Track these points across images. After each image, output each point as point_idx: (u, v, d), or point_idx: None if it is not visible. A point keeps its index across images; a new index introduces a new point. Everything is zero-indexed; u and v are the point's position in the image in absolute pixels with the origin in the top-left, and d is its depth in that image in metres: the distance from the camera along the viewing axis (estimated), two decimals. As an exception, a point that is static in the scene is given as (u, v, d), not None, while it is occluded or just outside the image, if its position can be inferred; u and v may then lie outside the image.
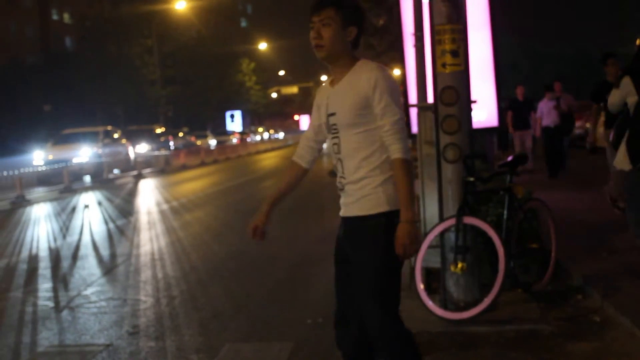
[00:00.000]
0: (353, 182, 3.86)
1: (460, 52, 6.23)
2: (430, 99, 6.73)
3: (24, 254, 11.34)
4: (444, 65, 6.24)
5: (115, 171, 29.72)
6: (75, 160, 26.16)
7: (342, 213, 3.98)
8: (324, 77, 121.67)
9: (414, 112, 7.50)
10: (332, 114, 3.88)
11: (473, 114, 6.59)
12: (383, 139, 3.79)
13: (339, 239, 4.06)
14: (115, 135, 32.07)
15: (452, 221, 6.13)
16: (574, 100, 18.52)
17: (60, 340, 6.61)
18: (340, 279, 4.06)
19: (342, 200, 3.98)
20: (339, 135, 3.87)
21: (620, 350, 5.32)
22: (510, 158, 6.97)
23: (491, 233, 6.11)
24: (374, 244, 3.81)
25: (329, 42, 3.78)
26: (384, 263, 3.79)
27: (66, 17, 72.21)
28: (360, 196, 3.84)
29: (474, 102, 6.58)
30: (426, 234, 6.48)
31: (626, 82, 6.45)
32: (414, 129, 7.63)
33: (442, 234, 6.26)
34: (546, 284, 6.89)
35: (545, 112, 16.90)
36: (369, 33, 37.47)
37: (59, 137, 30.94)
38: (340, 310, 4.07)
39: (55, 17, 71.80)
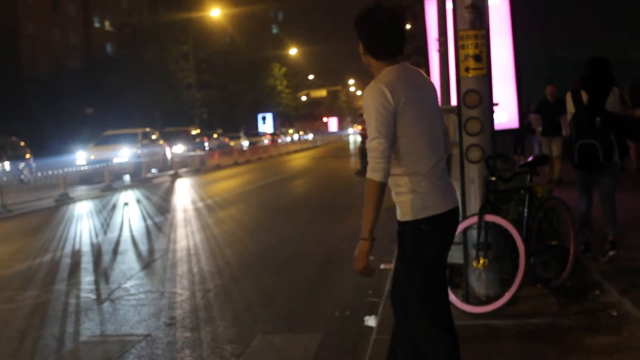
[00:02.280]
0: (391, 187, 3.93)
1: (483, 56, 6.21)
2: (453, 101, 6.72)
3: (68, 249, 11.44)
4: (467, 69, 6.23)
5: (153, 170, 29.84)
6: (115, 160, 26.29)
7: None
8: (351, 81, 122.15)
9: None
10: None
11: (495, 116, 6.57)
12: None
13: None
14: (153, 137, 32.21)
15: (474, 219, 6.11)
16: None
17: (101, 330, 6.68)
18: None
19: None
20: None
21: (637, 344, 5.27)
22: (530, 158, 6.97)
23: (512, 230, 6.09)
24: (401, 251, 3.95)
25: (363, 59, 3.98)
26: (408, 269, 3.92)
27: (107, 24, 72.82)
28: (396, 201, 3.94)
29: (496, 104, 6.56)
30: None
31: (568, 98, 8.07)
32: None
33: (464, 231, 6.24)
34: (565, 280, 6.84)
35: None
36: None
37: (101, 138, 31.15)
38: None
39: (97, 24, 72.43)
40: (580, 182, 8.02)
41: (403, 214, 3.84)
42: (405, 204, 3.81)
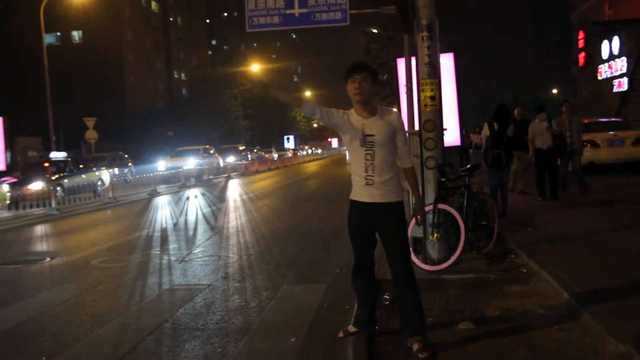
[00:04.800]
0: (383, 180, 3.87)
1: (436, 97, 6.21)
2: (417, 127, 6.72)
3: (156, 226, 11.49)
4: (425, 105, 6.23)
5: (208, 176, 29.87)
6: (184, 167, 26.33)
7: (370, 199, 3.90)
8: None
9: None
10: (371, 135, 3.84)
11: (444, 137, 6.58)
12: (401, 154, 4.00)
13: (364, 217, 3.97)
14: (211, 151, 32.29)
15: (430, 207, 6.11)
16: (581, 122, 12.60)
17: (179, 281, 6.71)
18: (365, 243, 4.05)
19: (366, 192, 3.91)
20: (374, 149, 3.85)
21: (539, 291, 5.28)
22: (468, 166, 7.00)
23: (456, 215, 6.10)
24: (402, 219, 3.99)
25: (366, 91, 3.87)
26: (406, 230, 4.04)
27: (183, 75, 73.03)
28: (389, 190, 3.89)
29: (445, 129, 6.58)
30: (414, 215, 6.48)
31: (485, 126, 9.42)
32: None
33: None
34: (491, 248, 6.85)
35: (538, 134, 11.03)
36: (377, 84, 37.51)
37: (174, 152, 31.29)
38: (361, 264, 4.12)
39: (176, 76, 72.67)
40: (491, 174, 9.21)
41: (399, 195, 3.99)
42: (400, 188, 4.03)
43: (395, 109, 4.02)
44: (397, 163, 4.00)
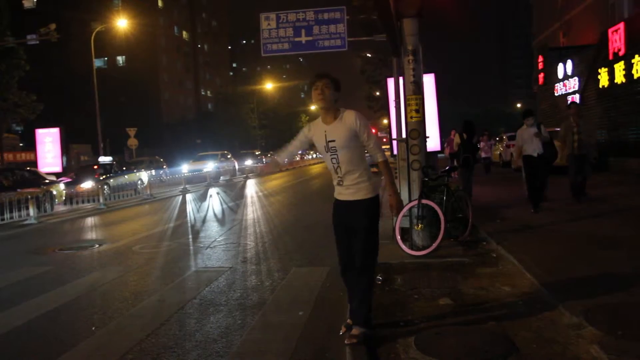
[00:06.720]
0: (350, 180, 3.55)
1: (420, 110, 6.19)
2: (404, 135, 6.70)
3: (187, 218, 11.48)
4: (411, 117, 6.21)
5: (227, 177, 29.70)
6: (205, 170, 26.16)
7: (343, 198, 3.61)
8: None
9: (395, 143, 7.47)
10: (332, 141, 3.51)
11: (427, 143, 6.55)
12: (369, 151, 3.55)
13: (340, 214, 3.63)
14: (228, 156, 32.25)
15: (415, 202, 6.10)
16: (593, 125, 10.63)
17: (205, 264, 6.69)
18: (344, 240, 3.65)
19: (339, 191, 3.63)
20: (337, 152, 3.52)
21: (506, 273, 5.24)
22: (447, 168, 6.98)
23: (437, 208, 6.07)
24: (370, 215, 3.55)
25: (328, 97, 3.49)
26: (375, 226, 3.60)
27: (209, 93, 72.98)
28: (357, 188, 3.55)
29: (427, 137, 6.55)
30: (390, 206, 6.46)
31: (456, 136, 9.75)
32: (395, 151, 7.60)
33: (410, 209, 6.23)
34: (466, 236, 6.82)
35: (527, 140, 8.67)
36: (371, 100, 37.32)
37: (197, 157, 31.36)
38: (344, 261, 3.68)
39: (203, 93, 72.67)
40: (464, 173, 9.49)
41: (369, 192, 3.57)
42: (370, 185, 3.59)
43: (354, 111, 3.54)
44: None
